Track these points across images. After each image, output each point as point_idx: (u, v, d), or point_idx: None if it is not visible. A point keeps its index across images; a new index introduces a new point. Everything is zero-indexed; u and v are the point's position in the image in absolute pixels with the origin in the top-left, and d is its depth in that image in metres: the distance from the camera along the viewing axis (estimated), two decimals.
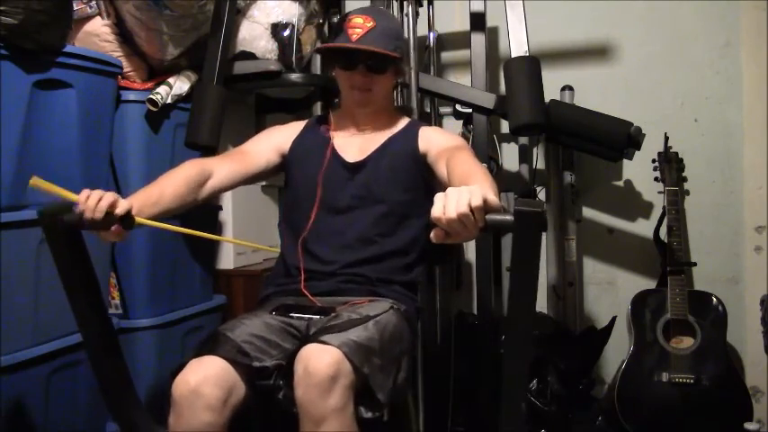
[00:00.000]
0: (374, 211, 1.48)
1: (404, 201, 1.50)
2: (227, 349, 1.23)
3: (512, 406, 1.07)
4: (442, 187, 1.46)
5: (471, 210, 0.98)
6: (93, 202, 1.16)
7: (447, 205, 0.98)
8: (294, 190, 1.57)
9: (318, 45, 2.01)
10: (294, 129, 1.63)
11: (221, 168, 1.50)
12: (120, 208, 1.18)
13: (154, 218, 1.31)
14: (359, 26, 1.47)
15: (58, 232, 1.18)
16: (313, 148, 1.57)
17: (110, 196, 1.17)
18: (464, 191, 0.99)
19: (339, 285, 1.44)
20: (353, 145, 1.55)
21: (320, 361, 1.11)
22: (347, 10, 2.35)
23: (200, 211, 2.03)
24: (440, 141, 1.51)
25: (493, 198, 1.00)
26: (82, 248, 1.22)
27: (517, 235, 0.98)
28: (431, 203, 1.45)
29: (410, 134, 1.56)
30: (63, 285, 1.22)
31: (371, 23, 1.47)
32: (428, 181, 1.54)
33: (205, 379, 1.18)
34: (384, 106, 1.60)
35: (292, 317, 1.38)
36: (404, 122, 1.61)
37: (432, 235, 1.02)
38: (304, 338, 1.33)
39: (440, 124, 2.38)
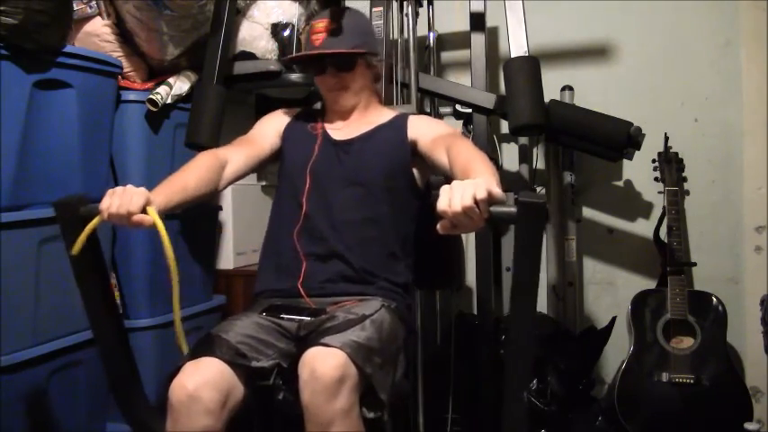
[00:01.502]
0: (358, 193, 1.48)
1: (387, 187, 1.50)
2: (224, 351, 1.23)
3: (514, 397, 1.07)
4: (438, 172, 1.46)
5: (476, 202, 1.00)
6: (114, 209, 1.16)
7: (452, 198, 1.01)
8: (287, 172, 1.58)
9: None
10: (288, 114, 1.67)
11: (235, 156, 1.52)
12: (135, 206, 1.16)
13: (180, 206, 1.32)
14: (320, 30, 1.52)
15: (73, 224, 1.18)
16: (305, 133, 1.59)
17: (127, 199, 1.16)
18: (468, 184, 1.02)
19: (328, 285, 1.44)
20: (342, 132, 1.57)
21: (325, 364, 1.11)
22: None
23: (201, 212, 2.05)
24: (432, 129, 1.52)
25: (497, 191, 1.04)
26: (95, 241, 1.22)
27: (520, 226, 1.01)
28: (415, 194, 1.45)
29: (398, 123, 1.56)
30: (75, 279, 1.22)
31: (332, 26, 1.51)
32: (415, 169, 1.54)
33: (203, 383, 1.18)
34: (366, 100, 1.60)
35: (282, 318, 1.39)
36: (392, 114, 1.61)
37: (438, 226, 1.04)
38: (296, 339, 1.34)
39: None
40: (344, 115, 1.60)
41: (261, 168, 1.65)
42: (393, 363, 1.29)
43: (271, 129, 1.62)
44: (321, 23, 1.52)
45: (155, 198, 1.23)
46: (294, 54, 1.58)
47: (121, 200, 1.17)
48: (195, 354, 1.24)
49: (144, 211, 1.19)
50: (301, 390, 1.13)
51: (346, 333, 1.19)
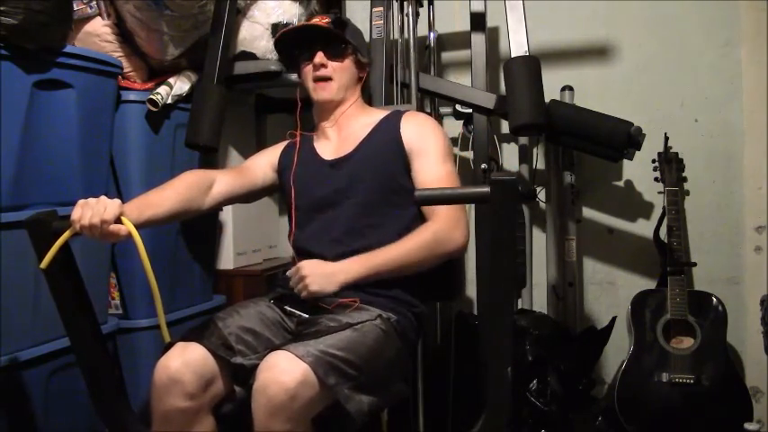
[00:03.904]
0: (358, 202, 1.47)
1: (388, 189, 1.49)
2: (212, 340, 1.24)
3: (498, 377, 1.06)
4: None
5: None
6: (86, 221, 1.19)
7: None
8: (284, 196, 1.59)
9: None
10: (281, 145, 1.67)
11: (223, 178, 1.54)
12: (109, 215, 1.20)
13: (155, 221, 1.34)
14: (316, 21, 1.54)
15: (46, 239, 1.18)
16: (300, 158, 1.58)
17: (100, 209, 1.20)
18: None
19: None
20: (335, 146, 1.57)
21: (277, 382, 1.08)
22: (347, 10, 2.35)
23: None
24: (429, 160, 1.48)
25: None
26: (68, 253, 1.22)
27: (493, 205, 1.01)
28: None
29: (391, 123, 1.54)
30: (51, 293, 1.22)
31: (327, 19, 1.54)
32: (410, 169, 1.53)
33: (185, 366, 1.19)
34: (353, 101, 1.59)
35: (286, 309, 1.40)
36: (383, 113, 1.59)
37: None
38: (294, 335, 1.34)
39: (440, 124, 2.38)
40: (333, 119, 1.58)
41: (254, 198, 1.67)
42: (376, 377, 1.23)
43: (264, 161, 1.63)
44: (317, 18, 1.55)
45: (127, 210, 1.25)
46: (286, 28, 1.58)
47: (94, 210, 1.18)
48: (187, 336, 1.25)
49: (118, 221, 1.20)
50: (252, 395, 1.11)
51: (317, 341, 1.16)
